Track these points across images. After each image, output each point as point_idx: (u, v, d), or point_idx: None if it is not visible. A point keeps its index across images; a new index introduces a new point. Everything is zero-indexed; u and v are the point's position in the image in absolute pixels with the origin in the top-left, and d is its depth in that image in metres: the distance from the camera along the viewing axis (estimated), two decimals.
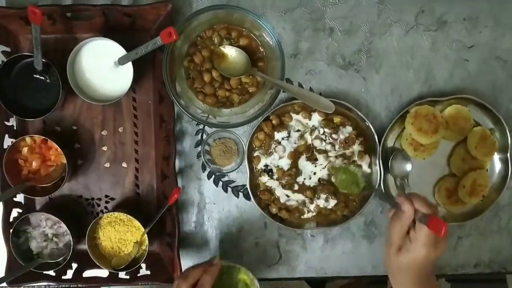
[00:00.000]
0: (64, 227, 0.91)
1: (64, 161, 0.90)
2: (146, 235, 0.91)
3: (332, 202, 0.95)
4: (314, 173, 0.95)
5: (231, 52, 0.90)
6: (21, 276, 0.89)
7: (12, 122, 0.94)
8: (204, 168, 0.97)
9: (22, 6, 0.87)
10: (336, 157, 0.94)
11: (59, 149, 0.89)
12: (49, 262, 0.92)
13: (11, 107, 0.88)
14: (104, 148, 0.96)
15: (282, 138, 0.94)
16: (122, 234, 0.93)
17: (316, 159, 0.94)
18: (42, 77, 0.89)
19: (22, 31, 0.92)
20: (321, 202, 0.95)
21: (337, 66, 0.97)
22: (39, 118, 0.88)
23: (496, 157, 0.98)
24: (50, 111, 0.87)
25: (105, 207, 0.97)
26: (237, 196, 0.98)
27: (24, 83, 0.89)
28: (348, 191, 0.94)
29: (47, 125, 0.95)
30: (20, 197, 0.95)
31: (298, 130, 0.94)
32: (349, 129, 0.94)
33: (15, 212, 0.94)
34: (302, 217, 0.96)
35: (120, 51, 0.87)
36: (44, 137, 0.90)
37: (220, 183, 0.97)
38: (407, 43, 0.97)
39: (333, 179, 0.95)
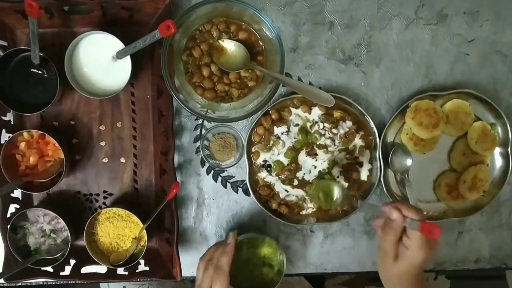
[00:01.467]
0: (62, 223, 0.90)
1: (62, 156, 0.89)
2: (144, 230, 0.90)
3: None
4: (315, 167, 0.94)
5: (230, 46, 0.89)
6: (19, 272, 0.89)
7: (9, 117, 0.93)
8: (203, 163, 0.96)
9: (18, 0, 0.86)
10: (339, 151, 0.94)
11: (56, 144, 0.89)
12: (47, 258, 0.91)
13: (8, 102, 0.87)
14: (102, 143, 0.95)
15: (282, 133, 0.93)
16: (120, 229, 0.92)
17: (316, 154, 0.94)
18: (39, 72, 0.88)
19: (19, 25, 0.91)
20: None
21: (337, 60, 0.96)
22: (37, 112, 0.88)
23: (497, 151, 0.98)
24: (47, 105, 0.87)
25: (103, 203, 0.96)
26: (236, 192, 0.97)
27: (21, 78, 0.88)
28: (321, 205, 0.94)
29: (45, 120, 0.94)
30: (17, 193, 0.94)
31: (297, 125, 0.94)
32: (349, 123, 0.93)
33: (12, 208, 0.93)
34: (301, 212, 0.96)
35: (118, 45, 0.87)
36: (41, 132, 0.89)
37: (219, 178, 0.97)
38: (407, 37, 0.96)
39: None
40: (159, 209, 0.90)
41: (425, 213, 0.78)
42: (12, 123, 0.93)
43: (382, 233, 0.77)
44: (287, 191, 0.95)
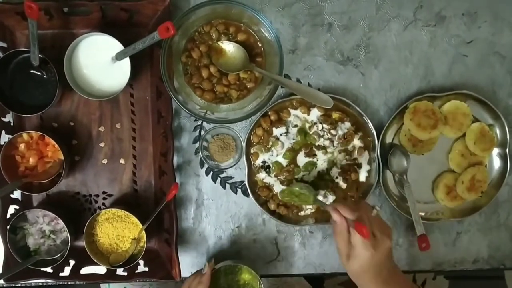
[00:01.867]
0: (61, 224, 0.90)
1: (61, 157, 0.89)
2: (144, 231, 0.91)
3: (331, 198, 0.94)
4: (315, 167, 0.95)
5: (229, 47, 0.89)
6: (18, 273, 0.89)
7: (9, 118, 0.93)
8: (202, 164, 0.97)
9: (18, 1, 0.86)
10: (339, 152, 0.94)
11: (56, 145, 0.89)
12: (47, 259, 0.91)
13: (7, 103, 0.87)
14: (102, 144, 0.95)
15: (281, 134, 0.94)
16: (119, 230, 0.93)
17: (315, 155, 0.94)
18: (39, 73, 0.89)
19: (19, 27, 0.91)
20: (319, 198, 0.94)
21: (335, 61, 0.96)
22: (36, 114, 0.88)
23: (495, 152, 0.98)
24: (47, 107, 0.87)
25: (103, 204, 0.96)
26: (235, 193, 0.97)
27: (21, 79, 0.89)
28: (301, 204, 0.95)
29: (44, 121, 0.94)
30: (17, 194, 0.94)
31: (296, 126, 0.94)
32: (347, 125, 0.94)
33: (12, 209, 0.93)
34: (300, 213, 0.96)
35: (117, 46, 0.87)
36: (41, 133, 0.89)
37: (218, 179, 0.97)
38: (405, 38, 0.97)
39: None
40: (158, 210, 0.91)
41: (374, 212, 0.80)
42: (11, 124, 0.94)
43: (333, 234, 0.80)
44: None
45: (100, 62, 0.88)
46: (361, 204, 0.83)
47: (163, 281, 0.94)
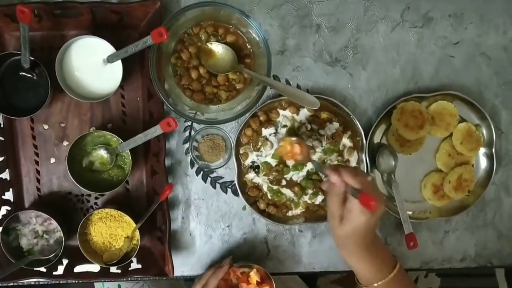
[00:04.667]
0: (54, 224, 0.91)
1: None
2: (137, 230, 0.92)
3: (320, 198, 0.96)
4: (305, 166, 0.95)
5: (218, 48, 0.90)
6: (12, 273, 0.89)
7: None
8: (192, 165, 0.98)
9: (8, 2, 0.87)
10: (331, 152, 0.95)
11: None
12: (40, 259, 0.92)
13: None
14: None
15: (270, 134, 0.95)
16: (113, 229, 0.93)
17: None
18: (29, 75, 0.89)
19: (7, 28, 0.91)
20: (308, 198, 0.96)
21: (324, 62, 0.97)
22: (27, 116, 0.88)
23: (482, 152, 0.99)
24: (38, 109, 0.87)
25: (95, 203, 0.97)
26: (226, 192, 0.98)
27: (11, 81, 0.89)
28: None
29: (35, 122, 0.95)
30: (8, 195, 0.95)
31: (285, 126, 0.95)
32: (336, 125, 0.95)
33: (4, 210, 0.94)
34: (290, 212, 0.97)
35: (109, 48, 0.87)
36: None
37: (209, 179, 0.98)
38: (393, 39, 0.97)
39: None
40: (152, 210, 0.92)
41: (369, 178, 0.80)
42: (1, 126, 0.94)
43: (327, 195, 0.79)
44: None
45: (92, 64, 0.89)
46: (358, 169, 0.80)
47: (156, 278, 0.95)
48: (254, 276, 0.91)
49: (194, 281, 0.94)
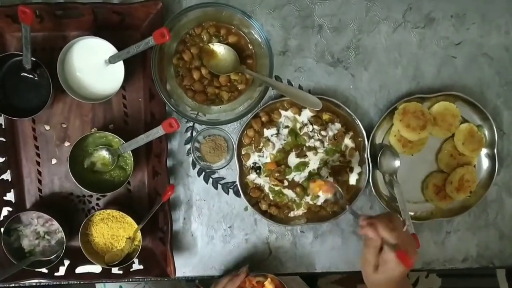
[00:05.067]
0: (56, 225, 0.91)
1: None
2: (139, 231, 0.91)
3: (321, 199, 0.95)
4: (307, 166, 0.96)
5: (220, 49, 0.90)
6: (13, 274, 0.89)
7: (1, 121, 0.94)
8: (194, 165, 0.98)
9: (9, 3, 0.86)
10: (333, 153, 0.95)
11: None
12: (42, 260, 0.92)
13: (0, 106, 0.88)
14: None
15: (272, 135, 0.95)
16: (114, 230, 0.93)
17: (306, 156, 0.95)
18: (30, 76, 0.89)
19: (9, 29, 0.91)
20: (310, 199, 0.95)
21: (325, 63, 0.97)
22: (29, 117, 0.88)
23: (484, 153, 0.99)
24: (39, 109, 0.87)
25: (97, 204, 0.97)
26: (227, 193, 0.98)
27: (13, 82, 0.89)
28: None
29: (36, 123, 0.95)
30: (10, 196, 0.95)
31: (287, 127, 0.95)
32: (337, 126, 0.95)
33: (5, 211, 0.94)
34: (291, 213, 0.97)
35: (110, 49, 0.87)
36: None
37: (210, 180, 0.98)
38: (395, 40, 0.97)
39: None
40: (154, 210, 0.92)
41: (405, 228, 0.78)
42: (3, 127, 0.94)
43: (364, 243, 0.79)
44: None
45: (93, 65, 0.89)
46: (394, 219, 0.77)
47: (158, 279, 0.95)
48: (268, 286, 0.92)
49: (210, 286, 0.96)
